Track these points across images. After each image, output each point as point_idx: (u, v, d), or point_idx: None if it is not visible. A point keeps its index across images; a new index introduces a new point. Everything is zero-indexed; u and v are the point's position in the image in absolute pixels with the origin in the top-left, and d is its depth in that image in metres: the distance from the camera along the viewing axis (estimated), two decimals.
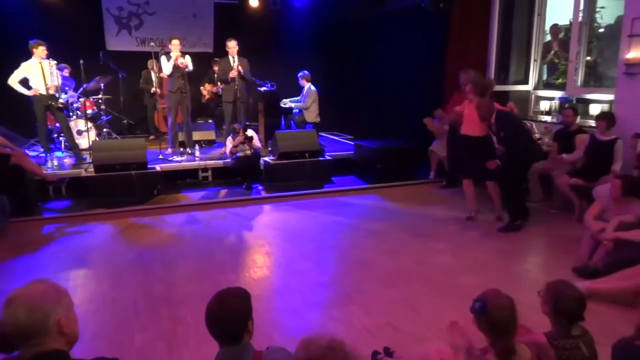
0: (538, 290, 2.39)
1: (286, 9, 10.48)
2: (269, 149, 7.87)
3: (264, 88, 8.49)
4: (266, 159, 7.39)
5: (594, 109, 6.47)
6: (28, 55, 6.92)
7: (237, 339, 1.83)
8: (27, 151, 6.75)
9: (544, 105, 7.31)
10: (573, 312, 2.18)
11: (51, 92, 6.99)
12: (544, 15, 7.35)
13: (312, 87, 8.60)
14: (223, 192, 7.01)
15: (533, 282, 4.05)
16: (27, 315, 1.41)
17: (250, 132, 7.10)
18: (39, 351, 1.43)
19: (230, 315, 1.82)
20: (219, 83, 8.47)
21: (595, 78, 6.74)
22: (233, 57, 7.63)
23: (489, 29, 7.48)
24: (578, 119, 6.49)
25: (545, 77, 7.50)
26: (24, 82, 6.97)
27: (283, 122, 9.15)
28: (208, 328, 1.85)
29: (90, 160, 6.80)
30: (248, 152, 7.06)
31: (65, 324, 1.48)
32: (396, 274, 4.26)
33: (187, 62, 7.41)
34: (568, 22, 6.97)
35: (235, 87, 7.57)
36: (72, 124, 7.71)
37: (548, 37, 7.37)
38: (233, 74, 7.52)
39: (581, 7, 6.51)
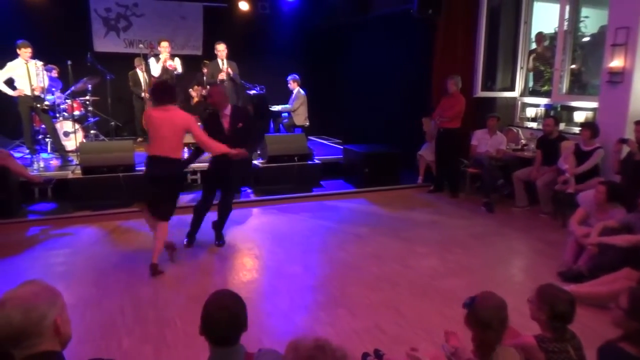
0: (522, 292, 2.43)
1: (275, 13, 10.53)
2: (258, 152, 7.87)
3: (253, 91, 8.50)
4: (255, 162, 7.39)
5: (579, 116, 6.60)
6: (14, 55, 6.85)
7: (235, 341, 1.84)
8: (12, 152, 6.67)
9: (530, 112, 7.42)
10: (569, 315, 2.22)
11: (36, 93, 6.93)
12: (530, 23, 7.48)
13: (301, 91, 8.64)
14: None
15: (518, 286, 4.12)
16: (23, 317, 1.39)
17: None
18: (34, 352, 1.42)
19: (233, 318, 1.83)
20: (207, 86, 8.46)
21: (579, 86, 6.87)
22: (222, 61, 7.63)
23: (476, 36, 7.58)
24: (563, 126, 6.63)
25: (531, 84, 7.62)
26: (9, 83, 6.90)
27: (272, 126, 9.16)
28: (206, 331, 1.84)
29: (77, 162, 6.74)
30: None
31: (61, 324, 1.47)
32: (382, 277, 4.30)
33: (177, 64, 7.40)
34: (553, 31, 7.10)
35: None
36: (58, 125, 7.64)
37: (534, 45, 7.50)
38: (222, 75, 7.52)
39: (566, 16, 6.64)
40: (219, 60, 7.63)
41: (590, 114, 6.40)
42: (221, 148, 4.68)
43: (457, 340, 2.41)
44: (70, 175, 6.47)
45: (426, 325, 3.42)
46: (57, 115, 7.80)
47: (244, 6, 9.84)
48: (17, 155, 7.18)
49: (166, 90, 4.46)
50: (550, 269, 4.36)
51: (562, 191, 5.61)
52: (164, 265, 4.50)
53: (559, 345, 2.19)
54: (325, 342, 1.51)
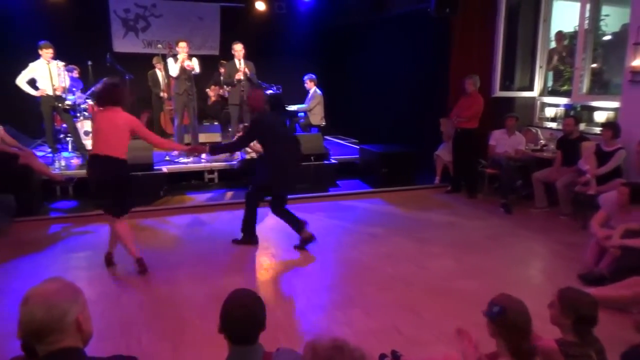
0: (542, 295, 2.40)
1: (291, 13, 10.57)
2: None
3: (270, 91, 8.53)
4: None
5: (599, 116, 6.49)
6: (37, 56, 6.99)
7: (254, 340, 1.86)
8: (34, 151, 6.80)
9: (550, 112, 7.32)
10: (593, 318, 2.19)
11: (58, 93, 7.06)
12: (549, 21, 7.38)
13: (318, 90, 8.65)
14: (229, 194, 7.03)
15: (537, 288, 4.07)
16: (45, 313, 1.42)
17: None
18: (57, 348, 1.45)
19: (252, 317, 1.85)
20: (224, 86, 8.52)
21: (600, 85, 6.76)
22: (239, 60, 7.67)
23: (494, 34, 7.50)
24: (583, 126, 6.52)
25: (550, 83, 7.52)
26: (32, 83, 7.04)
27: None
28: (226, 330, 1.85)
29: None
30: (253, 154, 7.09)
31: (83, 321, 1.50)
32: (397, 277, 4.28)
33: (194, 64, 7.45)
34: (573, 29, 6.99)
35: (242, 90, 7.61)
36: (79, 124, 7.76)
37: (553, 44, 7.39)
38: (239, 75, 7.57)
39: (586, 15, 6.54)
40: (236, 60, 7.68)
41: (611, 113, 6.29)
42: (167, 145, 5.17)
43: (469, 341, 2.37)
44: None
45: (443, 327, 3.39)
46: (78, 114, 7.92)
47: (260, 6, 9.90)
48: (39, 154, 7.32)
49: (109, 93, 4.28)
50: (570, 271, 4.29)
51: (582, 192, 5.52)
52: (181, 264, 4.55)
53: (581, 350, 2.15)
54: (343, 342, 1.52)
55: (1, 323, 3.36)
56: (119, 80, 4.90)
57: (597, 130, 6.27)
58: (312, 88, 8.68)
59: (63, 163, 7.15)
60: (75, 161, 7.44)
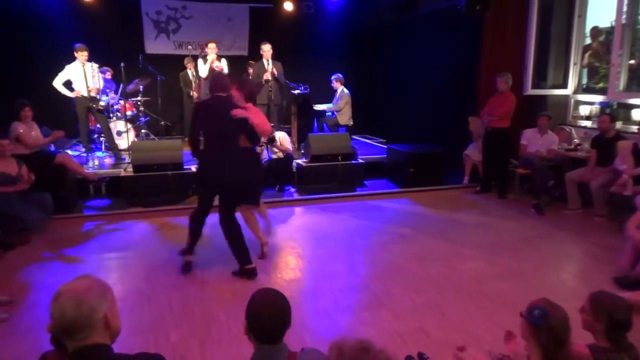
0: (577, 299, 2.32)
1: (320, 13, 10.58)
2: (301, 151, 7.92)
3: (297, 91, 8.56)
4: (298, 161, 7.44)
5: (637, 114, 6.26)
6: (73, 58, 7.20)
7: (279, 340, 1.87)
8: (69, 151, 7.01)
9: (584, 110, 7.10)
10: (628, 322, 2.12)
11: (92, 94, 7.26)
12: (584, 17, 7.16)
13: (345, 90, 8.63)
14: None
15: (570, 291, 3.96)
16: (75, 309, 1.46)
17: (281, 134, 7.14)
18: (85, 344, 1.48)
19: (278, 317, 1.86)
20: None
21: (638, 82, 6.52)
22: (267, 61, 7.72)
23: (526, 31, 7.32)
24: (619, 125, 6.31)
25: (585, 81, 7.30)
26: (68, 84, 7.25)
27: (316, 125, 9.20)
28: (252, 329, 1.87)
29: (129, 161, 7.00)
30: (280, 154, 7.12)
31: (111, 318, 1.53)
32: (426, 279, 4.23)
33: (223, 65, 7.56)
34: (609, 25, 6.76)
35: (269, 90, 7.66)
36: (112, 125, 7.96)
37: (588, 40, 7.17)
38: (267, 76, 7.63)
39: (624, 9, 6.32)
40: (265, 61, 7.73)
41: None
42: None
43: (515, 345, 2.33)
44: (123, 173, 6.73)
45: (472, 330, 3.34)
46: (111, 115, 8.13)
47: (288, 6, 9.94)
48: (74, 153, 7.54)
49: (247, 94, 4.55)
50: (605, 274, 4.16)
51: (618, 193, 5.34)
52: (209, 262, 4.61)
53: (615, 356, 2.08)
54: (368, 343, 1.51)
55: (37, 317, 3.47)
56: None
57: (634, 128, 6.05)
58: (340, 88, 8.67)
59: (96, 162, 7.35)
60: (108, 160, 7.64)
